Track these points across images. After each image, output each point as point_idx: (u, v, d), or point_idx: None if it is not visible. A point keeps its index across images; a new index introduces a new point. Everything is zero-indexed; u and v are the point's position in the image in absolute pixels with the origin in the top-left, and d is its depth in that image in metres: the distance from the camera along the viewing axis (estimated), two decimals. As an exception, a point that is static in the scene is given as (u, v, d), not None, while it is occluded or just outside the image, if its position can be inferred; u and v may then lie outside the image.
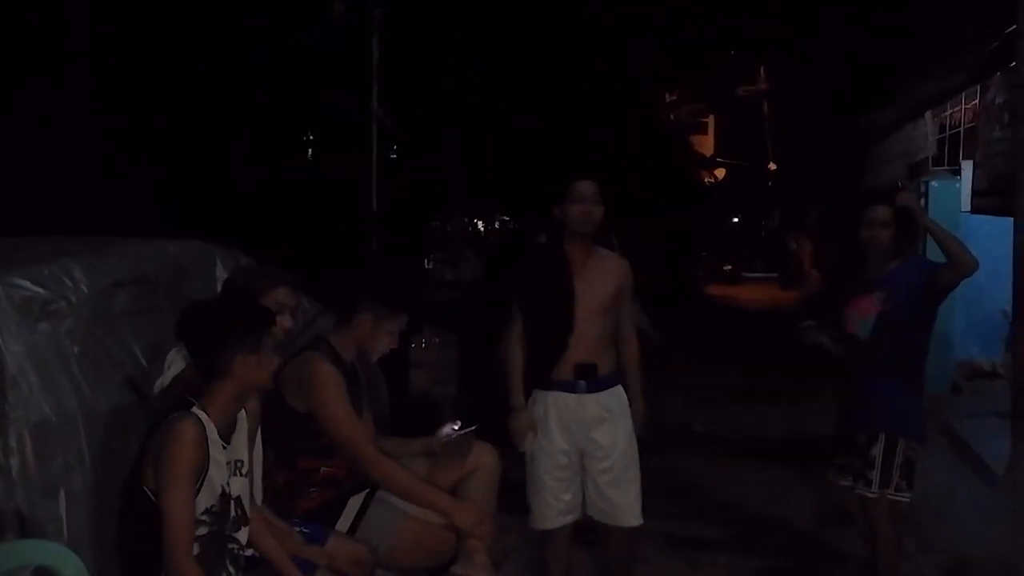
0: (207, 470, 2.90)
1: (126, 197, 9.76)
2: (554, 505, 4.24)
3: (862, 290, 4.45)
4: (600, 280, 4.24)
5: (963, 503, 6.29)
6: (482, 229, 23.16)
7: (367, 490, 3.76)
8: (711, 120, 42.99)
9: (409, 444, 4.06)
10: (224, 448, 2.99)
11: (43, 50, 9.36)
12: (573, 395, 4.20)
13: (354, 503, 3.73)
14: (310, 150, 15.71)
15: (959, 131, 10.18)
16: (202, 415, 2.93)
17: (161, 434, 2.88)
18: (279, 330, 3.31)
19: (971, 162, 9.07)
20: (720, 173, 40.36)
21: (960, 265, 4.14)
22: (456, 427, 4.03)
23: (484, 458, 3.95)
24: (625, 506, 4.25)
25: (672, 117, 32.18)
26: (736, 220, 45.59)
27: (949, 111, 10.76)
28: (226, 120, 11.40)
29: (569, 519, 4.30)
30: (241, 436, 3.10)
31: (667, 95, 31.37)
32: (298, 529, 3.48)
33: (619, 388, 4.31)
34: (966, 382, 9.30)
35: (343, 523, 3.69)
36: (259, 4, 11.31)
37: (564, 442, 4.21)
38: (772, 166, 38.77)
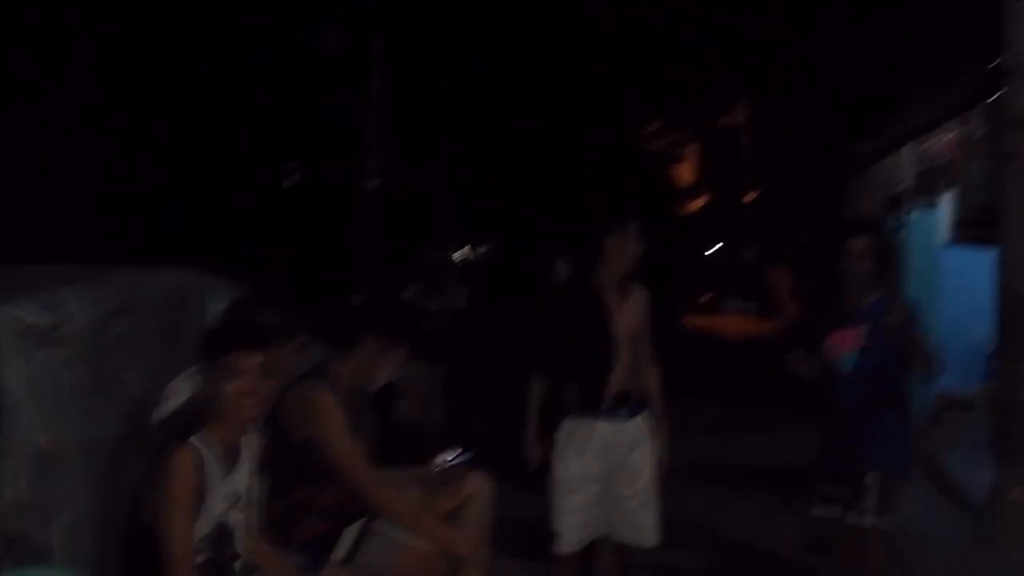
0: (205, 499, 2.94)
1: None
2: (580, 531, 4.42)
3: (843, 322, 4.51)
4: (629, 309, 4.48)
5: (944, 532, 6.36)
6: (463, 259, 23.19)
7: (364, 519, 3.79)
8: (691, 150, 43.27)
9: (404, 473, 4.11)
10: (224, 479, 3.03)
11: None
12: (613, 423, 4.39)
13: (351, 532, 3.76)
14: (290, 178, 15.74)
15: (937, 164, 10.35)
16: (201, 444, 2.97)
17: (160, 464, 2.92)
18: (272, 364, 3.34)
19: (950, 195, 9.23)
20: (699, 203, 40.58)
21: (919, 370, 4.42)
22: (451, 456, 4.08)
23: (479, 487, 3.99)
24: (650, 527, 4.50)
25: (652, 147, 32.39)
26: (714, 250, 45.78)
27: (927, 144, 10.94)
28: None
29: (587, 542, 4.47)
30: (244, 471, 3.13)
31: (647, 126, 31.57)
32: (296, 559, 3.51)
33: (645, 413, 4.54)
34: (943, 413, 9.40)
35: (339, 552, 3.72)
36: (254, 35, 11.38)
37: (600, 469, 4.40)
38: (751, 196, 39.01)
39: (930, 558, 5.74)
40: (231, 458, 3.08)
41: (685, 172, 41.70)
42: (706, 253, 42.39)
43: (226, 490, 3.03)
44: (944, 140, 9.90)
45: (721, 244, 44.35)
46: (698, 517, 6.95)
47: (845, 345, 4.40)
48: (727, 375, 14.26)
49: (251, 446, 3.18)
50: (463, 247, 21.29)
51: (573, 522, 4.40)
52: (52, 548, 3.32)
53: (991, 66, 6.59)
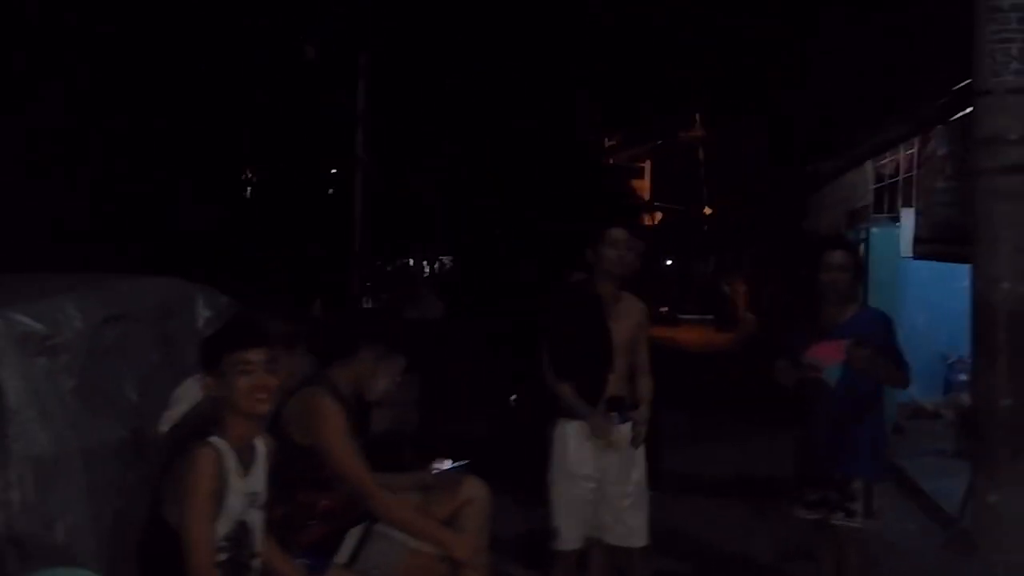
0: (225, 498, 2.98)
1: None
2: (580, 527, 4.53)
3: (822, 335, 4.60)
4: (626, 319, 4.62)
5: (913, 536, 6.53)
6: (426, 269, 23.21)
7: (366, 523, 3.84)
8: (648, 164, 43.72)
9: (403, 478, 4.16)
10: (243, 478, 3.07)
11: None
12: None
13: (353, 535, 3.80)
14: (248, 189, 15.69)
15: (897, 180, 10.59)
16: (220, 444, 3.01)
17: (180, 465, 2.95)
18: (277, 367, 3.37)
19: (910, 210, 9.45)
20: (656, 217, 41.00)
21: (895, 385, 4.63)
22: (449, 462, 4.15)
23: (476, 491, 4.05)
24: (639, 528, 4.61)
25: (611, 161, 32.68)
26: (669, 263, 46.19)
27: (884, 160, 11.17)
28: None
29: (585, 539, 4.57)
30: (260, 470, 3.17)
31: (606, 140, 31.85)
32: (301, 561, 3.55)
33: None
34: (907, 422, 9.62)
35: (342, 556, 3.76)
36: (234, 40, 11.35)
37: (594, 469, 4.52)
38: (707, 210, 39.52)
39: (901, 562, 5.89)
40: (247, 458, 3.12)
41: (642, 185, 42.09)
42: (664, 265, 42.81)
43: (244, 489, 3.07)
44: (905, 157, 10.14)
45: (676, 257, 44.80)
46: (679, 525, 7.05)
47: (828, 358, 4.49)
48: (690, 385, 14.41)
49: (264, 447, 3.22)
50: (436, 256, 21.34)
51: (572, 519, 4.51)
52: (56, 548, 3.35)
53: (956, 87, 6.81)
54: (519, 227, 15.17)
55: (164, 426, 3.47)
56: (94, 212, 10.05)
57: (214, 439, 3.01)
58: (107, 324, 4.06)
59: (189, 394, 3.40)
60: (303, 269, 11.49)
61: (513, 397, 8.73)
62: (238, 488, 3.03)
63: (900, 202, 10.39)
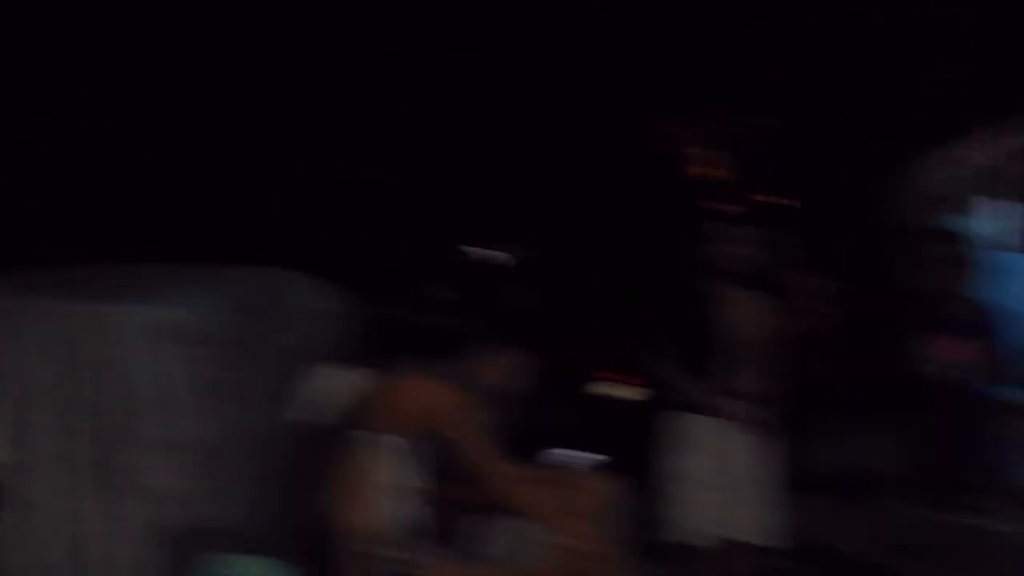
0: (387, 493, 3.01)
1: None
2: (707, 524, 4.53)
3: (944, 331, 4.52)
4: (740, 310, 4.65)
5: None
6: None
7: (500, 514, 3.84)
8: (722, 152, 43.35)
9: (535, 471, 4.16)
10: (402, 473, 3.10)
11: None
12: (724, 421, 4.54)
13: (487, 527, 3.82)
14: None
15: (993, 170, 10.33)
16: (386, 439, 3.03)
17: (343, 459, 2.97)
18: None
19: (1010, 202, 9.20)
20: (725, 207, 40.64)
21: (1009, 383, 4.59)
22: (569, 454, 4.14)
23: (605, 486, 4.04)
24: (767, 526, 4.62)
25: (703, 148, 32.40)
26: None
27: (976, 149, 10.90)
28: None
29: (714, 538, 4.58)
30: (415, 464, 3.19)
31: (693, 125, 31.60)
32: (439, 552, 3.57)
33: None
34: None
35: (477, 547, 3.78)
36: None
37: (717, 465, 4.54)
38: (775, 199, 39.06)
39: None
40: (406, 452, 3.15)
41: (711, 175, 41.71)
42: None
43: (403, 484, 3.10)
44: (1001, 146, 9.89)
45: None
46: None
47: (955, 355, 4.41)
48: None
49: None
50: (502, 247, 21.27)
51: (698, 517, 4.49)
52: (212, 536, 3.43)
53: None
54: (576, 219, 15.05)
55: (301, 415, 3.52)
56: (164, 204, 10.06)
57: (367, 434, 3.04)
58: (234, 314, 4.13)
59: (326, 384, 3.45)
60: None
61: (591, 386, 8.69)
62: (398, 483, 3.06)
63: (996, 193, 10.13)
